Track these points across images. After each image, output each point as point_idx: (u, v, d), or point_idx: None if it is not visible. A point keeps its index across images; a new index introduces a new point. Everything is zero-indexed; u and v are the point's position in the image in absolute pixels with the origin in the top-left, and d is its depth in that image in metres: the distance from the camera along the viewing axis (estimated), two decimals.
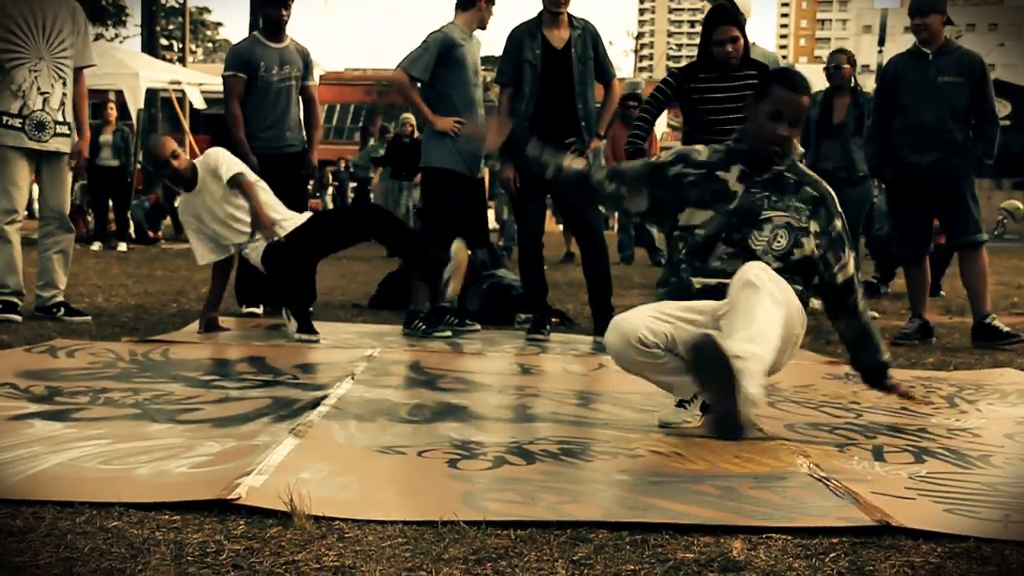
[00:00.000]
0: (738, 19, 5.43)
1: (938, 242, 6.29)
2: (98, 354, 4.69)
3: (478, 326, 6.04)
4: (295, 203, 5.86)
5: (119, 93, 16.19)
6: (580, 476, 2.81)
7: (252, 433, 3.19)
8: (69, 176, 6.00)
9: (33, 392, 3.77)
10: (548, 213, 10.46)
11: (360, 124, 23.97)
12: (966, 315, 7.03)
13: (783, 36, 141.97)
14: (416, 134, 13.50)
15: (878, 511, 2.46)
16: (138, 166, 14.03)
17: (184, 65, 25.69)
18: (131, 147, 13.17)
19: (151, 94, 17.78)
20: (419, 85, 5.87)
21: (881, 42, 29.11)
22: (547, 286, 6.03)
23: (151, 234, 14.44)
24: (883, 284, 9.44)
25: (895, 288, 9.38)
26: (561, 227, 14.13)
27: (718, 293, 3.40)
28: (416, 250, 5.51)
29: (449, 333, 5.78)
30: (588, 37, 5.77)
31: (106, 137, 12.83)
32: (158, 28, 22.94)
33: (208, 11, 55.55)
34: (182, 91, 18.79)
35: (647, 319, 3.42)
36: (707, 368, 3.09)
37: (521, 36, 5.75)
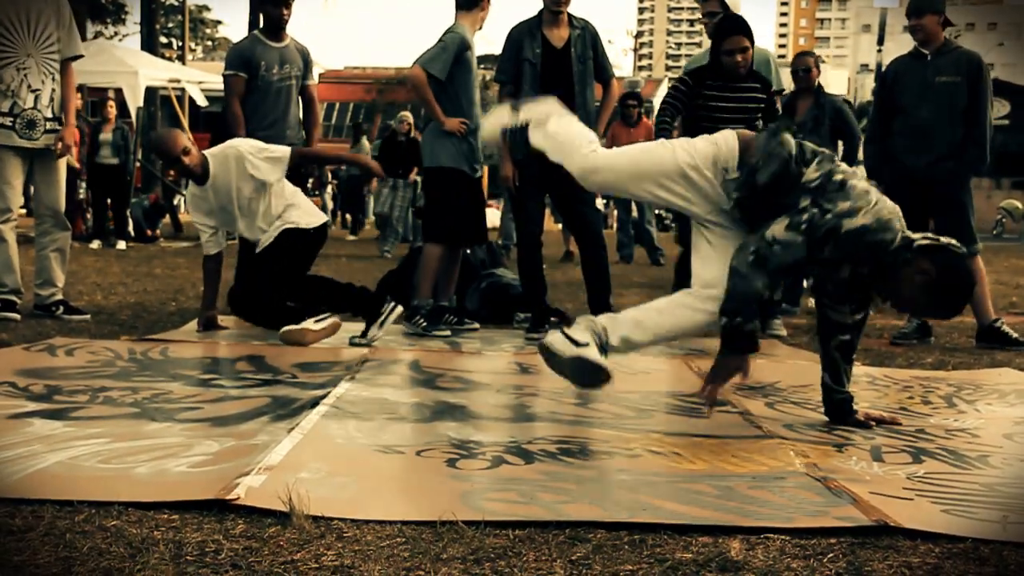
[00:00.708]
0: (749, 30, 5.44)
1: None
2: (97, 353, 4.69)
3: (477, 325, 6.04)
4: None
5: (118, 91, 16.19)
6: (578, 476, 2.81)
7: (251, 432, 3.19)
8: (63, 173, 5.98)
9: (32, 391, 3.77)
10: (547, 212, 10.48)
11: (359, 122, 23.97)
12: (965, 315, 7.02)
13: (782, 35, 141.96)
14: (413, 132, 13.50)
15: (876, 511, 2.46)
16: (137, 164, 14.02)
17: (184, 63, 25.70)
18: (131, 145, 13.16)
19: (150, 92, 17.80)
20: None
21: (880, 41, 29.14)
22: (546, 285, 6.03)
23: (150, 232, 14.43)
24: None
25: None
26: (560, 226, 14.14)
27: None
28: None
29: (448, 332, 5.78)
30: (588, 37, 5.78)
31: (106, 135, 12.82)
32: (157, 26, 22.92)
33: (208, 9, 55.55)
34: (182, 89, 18.80)
35: None
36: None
37: (521, 35, 5.75)
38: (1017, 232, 27.31)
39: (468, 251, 6.76)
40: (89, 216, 13.92)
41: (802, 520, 2.42)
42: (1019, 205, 27.53)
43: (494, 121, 4.14)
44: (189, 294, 7.35)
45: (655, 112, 6.09)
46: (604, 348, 3.51)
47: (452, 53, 5.78)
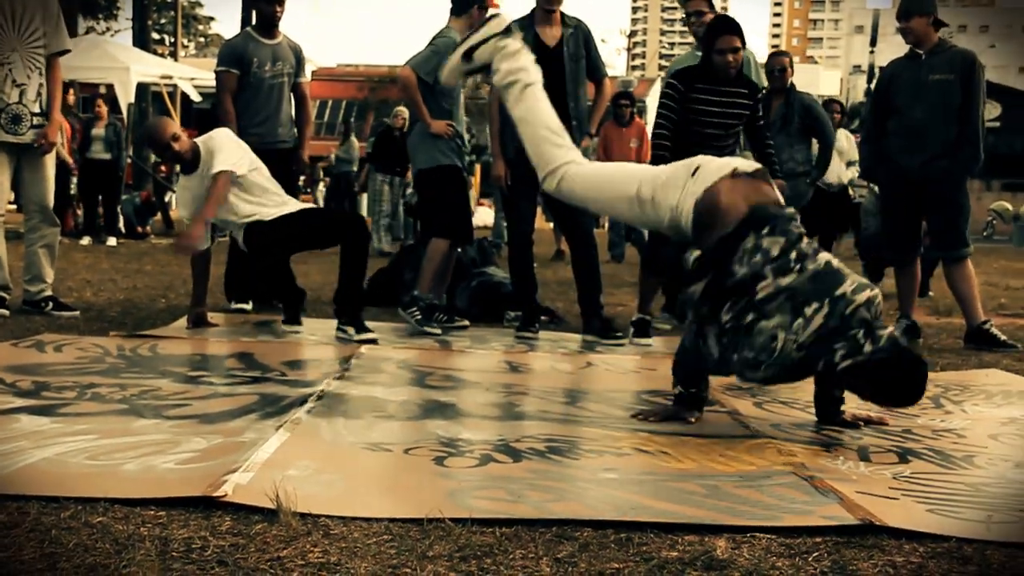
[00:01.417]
0: (741, 31, 5.44)
1: (927, 244, 6.30)
2: (86, 349, 4.68)
3: (467, 323, 6.04)
4: None
5: (110, 87, 16.15)
6: (566, 474, 2.82)
7: (239, 430, 3.19)
8: (51, 169, 5.95)
9: (20, 387, 3.76)
10: (538, 211, 10.48)
11: (348, 119, 23.86)
12: (954, 316, 7.05)
13: (775, 36, 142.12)
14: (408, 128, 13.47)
15: (862, 510, 2.47)
16: (128, 160, 13.98)
17: (176, 60, 25.64)
18: (123, 141, 13.13)
19: (142, 88, 17.74)
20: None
21: (873, 42, 29.21)
22: (537, 284, 6.03)
23: (140, 229, 14.40)
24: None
25: (883, 288, 9.39)
26: (551, 225, 14.13)
27: None
28: (359, 278, 5.49)
29: (439, 331, 5.78)
30: (581, 36, 5.78)
31: (98, 131, 12.78)
32: (149, 22, 22.89)
33: (200, 5, 55.37)
34: (173, 86, 18.75)
35: None
36: None
37: None
38: (1007, 234, 27.37)
39: (460, 250, 6.77)
40: (80, 212, 13.88)
41: (788, 519, 2.42)
42: (1009, 207, 27.58)
43: (456, 56, 4.21)
44: (179, 291, 7.33)
45: (647, 112, 6.11)
46: None
47: (443, 57, 5.78)
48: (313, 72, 45.12)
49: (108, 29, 38.77)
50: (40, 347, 4.68)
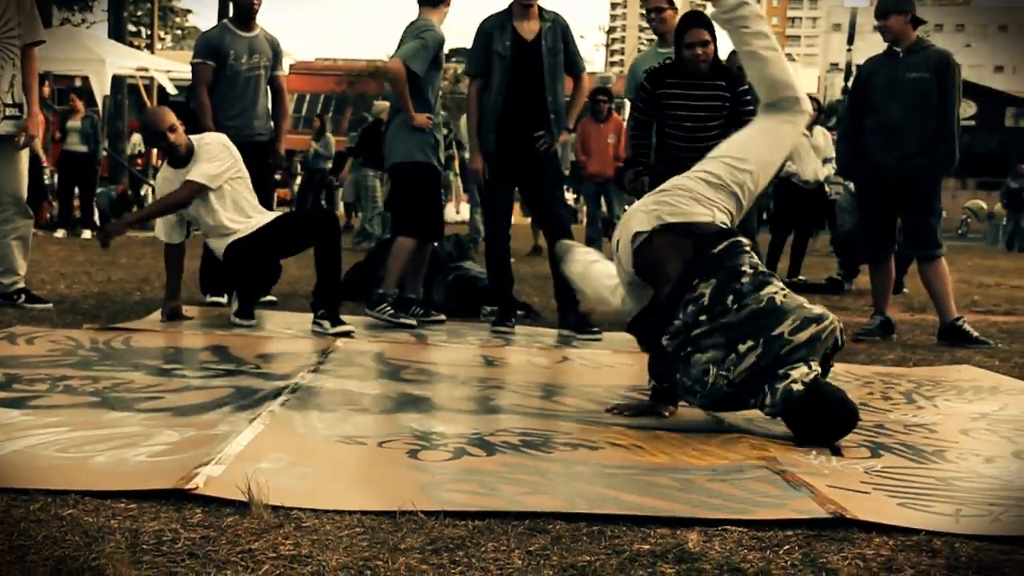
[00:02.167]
0: (710, 24, 5.44)
1: (901, 242, 6.33)
2: (58, 341, 4.65)
3: (443, 317, 6.04)
4: (262, 192, 5.83)
5: (85, 79, 16.04)
6: (540, 468, 2.82)
7: (212, 422, 3.18)
8: (25, 160, 5.90)
9: None
10: (516, 206, 10.47)
11: (329, 113, 23.79)
12: (928, 312, 7.10)
13: None
14: None
15: (833, 504, 2.49)
16: (104, 153, 13.89)
17: (152, 52, 25.48)
18: (99, 134, 13.05)
19: (117, 80, 17.63)
20: None
21: (850, 40, 29.33)
22: (513, 279, 6.03)
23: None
24: (847, 281, 9.51)
25: (858, 285, 9.45)
26: (529, 220, 14.12)
27: None
28: (335, 273, 5.48)
29: (414, 322, 5.78)
30: (558, 29, 5.77)
31: (74, 123, 12.71)
32: (125, 14, 22.69)
33: None
34: (149, 78, 18.63)
35: None
36: None
37: (491, 28, 5.74)
38: (981, 232, 27.58)
39: (436, 244, 6.76)
40: (55, 204, 13.79)
41: (760, 512, 2.43)
42: (984, 205, 27.80)
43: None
44: (154, 284, 7.29)
45: (625, 108, 6.12)
46: None
47: (431, 51, 5.79)
48: (291, 66, 44.91)
49: (83, 21, 38.51)
50: (12, 339, 4.65)
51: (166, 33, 52.75)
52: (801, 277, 9.51)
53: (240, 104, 6.31)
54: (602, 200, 12.61)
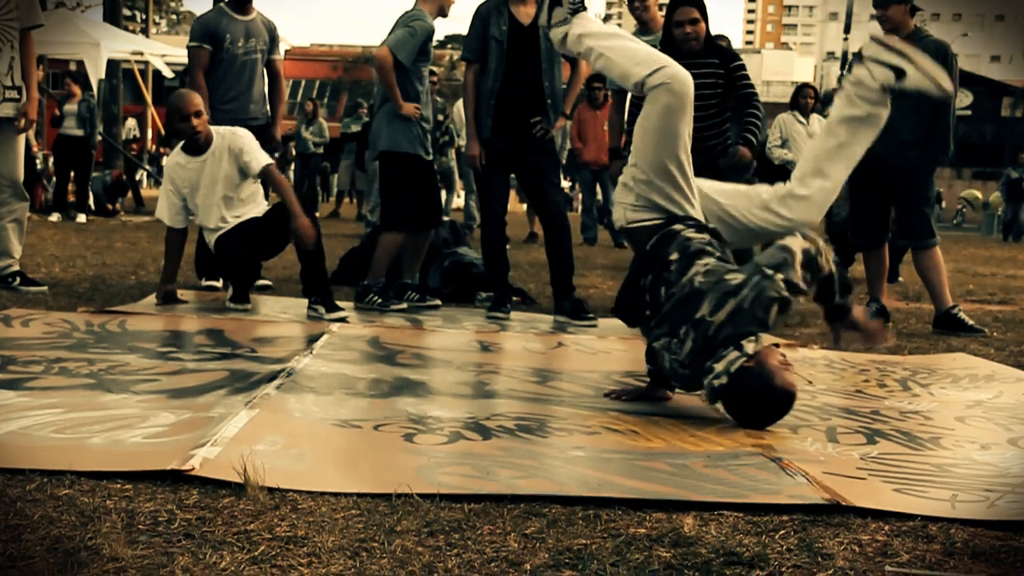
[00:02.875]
0: (700, 3, 5.44)
1: (893, 231, 6.33)
2: (53, 324, 4.64)
3: (438, 302, 6.04)
4: None
5: (80, 63, 15.98)
6: (536, 452, 2.82)
7: (208, 405, 3.17)
8: (21, 143, 5.89)
9: None
10: (512, 192, 10.46)
11: (324, 99, 23.61)
12: (923, 301, 7.11)
13: (750, 22, 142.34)
14: None
15: (829, 490, 2.49)
16: (99, 138, 13.86)
17: (147, 36, 25.39)
18: (95, 117, 13.01)
19: (112, 64, 17.57)
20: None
21: (847, 29, 29.27)
22: (509, 265, 6.03)
23: (110, 207, 14.29)
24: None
25: (853, 273, 9.45)
26: (525, 207, 14.13)
27: None
28: (318, 262, 5.47)
29: (405, 306, 5.78)
30: None
31: (71, 107, 12.68)
32: None
33: None
34: (145, 62, 18.56)
35: None
36: None
37: (488, 12, 5.73)
38: (976, 222, 27.60)
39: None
40: (49, 188, 13.75)
41: (755, 497, 2.44)
42: (979, 195, 27.83)
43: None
44: (149, 268, 7.28)
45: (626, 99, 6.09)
46: None
47: (419, 41, 5.77)
48: (286, 51, 44.80)
49: (79, 4, 38.33)
50: (7, 321, 4.64)
51: (161, 17, 52.59)
52: None
53: (236, 88, 6.29)
54: (597, 188, 12.62)
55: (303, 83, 46.91)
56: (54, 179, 13.66)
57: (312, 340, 4.59)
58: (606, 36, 3.80)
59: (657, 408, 3.51)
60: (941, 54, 5.82)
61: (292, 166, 21.37)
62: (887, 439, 3.18)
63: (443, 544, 2.06)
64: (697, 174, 3.74)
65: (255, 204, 5.55)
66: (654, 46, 5.59)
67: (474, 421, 3.15)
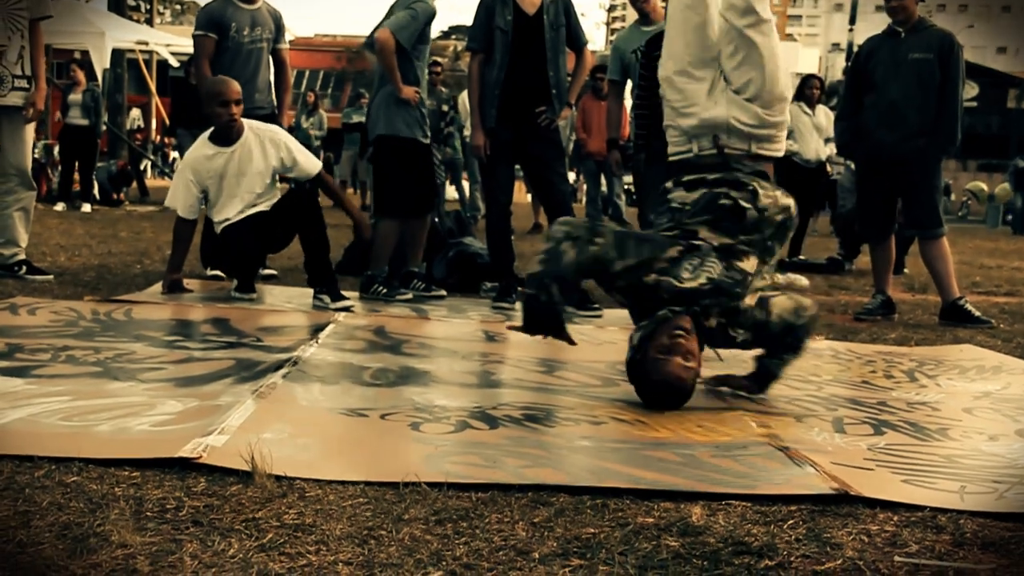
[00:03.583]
0: None
1: (900, 222, 6.32)
2: (60, 312, 4.64)
3: (444, 293, 6.03)
4: None
5: (84, 53, 15.96)
6: (543, 441, 2.82)
7: (214, 393, 3.17)
8: (30, 132, 5.90)
9: None
10: (518, 183, 10.44)
11: (328, 89, 23.55)
12: (929, 293, 7.10)
13: None
14: None
15: (837, 480, 2.48)
16: (104, 127, 13.85)
17: (151, 26, 25.36)
18: (100, 107, 13.01)
19: (117, 54, 17.55)
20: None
21: (852, 21, 29.16)
22: (514, 255, 6.02)
23: (115, 196, 14.28)
24: (848, 261, 9.50)
25: (859, 265, 9.45)
26: (529, 197, 14.09)
27: None
28: (322, 251, 5.47)
29: (410, 296, 5.77)
30: (560, 4, 5.73)
31: (75, 96, 12.67)
32: None
33: None
34: (149, 52, 18.54)
35: None
36: None
37: (493, 2, 5.70)
38: (982, 214, 27.53)
39: (436, 219, 6.74)
40: (54, 177, 13.74)
41: (763, 487, 2.43)
42: (984, 187, 27.73)
43: None
44: (154, 257, 7.29)
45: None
46: None
47: (421, 24, 5.74)
48: (290, 41, 44.74)
49: None
50: (13, 310, 4.64)
51: (165, 8, 52.51)
52: (801, 257, 9.50)
53: (242, 77, 6.24)
54: (602, 179, 12.59)
55: (307, 73, 46.85)
56: (59, 168, 13.66)
57: (318, 329, 4.58)
58: None
59: None
60: (947, 45, 5.81)
61: None
62: (895, 430, 3.18)
63: (451, 532, 2.05)
64: None
65: (270, 199, 5.54)
66: (655, 37, 5.60)
67: (481, 410, 3.15)
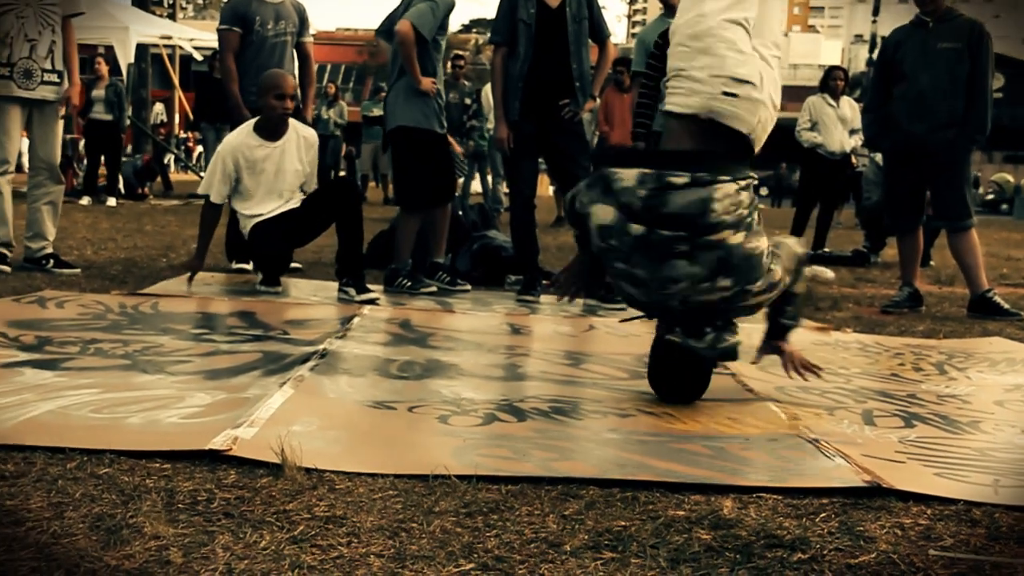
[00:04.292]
0: None
1: (929, 213, 6.27)
2: (87, 306, 4.67)
3: (468, 286, 6.03)
4: None
5: (109, 48, 16.02)
6: (571, 434, 2.81)
7: (243, 386, 3.18)
8: (59, 126, 5.94)
9: (23, 341, 3.75)
10: (542, 176, 10.41)
11: (350, 83, 23.57)
12: (956, 285, 7.05)
13: None
14: None
15: (869, 473, 2.46)
16: (128, 122, 13.91)
17: (174, 20, 25.43)
18: (123, 102, 13.06)
19: (141, 49, 17.60)
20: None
21: (875, 12, 29.00)
22: (539, 248, 6.01)
23: (140, 191, 14.35)
24: (873, 253, 9.45)
25: (885, 257, 9.39)
26: (552, 190, 14.08)
27: None
28: (357, 241, 5.48)
29: (435, 288, 5.77)
30: None
31: (99, 92, 12.73)
32: None
33: None
34: (173, 46, 18.58)
35: None
36: None
37: None
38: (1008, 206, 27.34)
39: (460, 212, 6.73)
40: (80, 172, 13.81)
41: (795, 480, 2.42)
42: (1010, 179, 27.55)
43: None
44: (179, 251, 7.31)
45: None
46: None
47: (440, 16, 5.74)
48: (312, 35, 44.88)
49: None
50: (42, 303, 4.67)
51: (188, 2, 52.71)
52: (826, 249, 9.46)
53: (266, 70, 6.27)
54: None
55: (328, 67, 46.93)
56: (85, 163, 13.73)
57: (344, 322, 4.59)
58: None
59: None
60: (977, 34, 5.76)
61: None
62: (925, 423, 3.15)
63: (482, 525, 2.05)
64: None
65: (299, 197, 5.57)
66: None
67: (508, 403, 3.14)
